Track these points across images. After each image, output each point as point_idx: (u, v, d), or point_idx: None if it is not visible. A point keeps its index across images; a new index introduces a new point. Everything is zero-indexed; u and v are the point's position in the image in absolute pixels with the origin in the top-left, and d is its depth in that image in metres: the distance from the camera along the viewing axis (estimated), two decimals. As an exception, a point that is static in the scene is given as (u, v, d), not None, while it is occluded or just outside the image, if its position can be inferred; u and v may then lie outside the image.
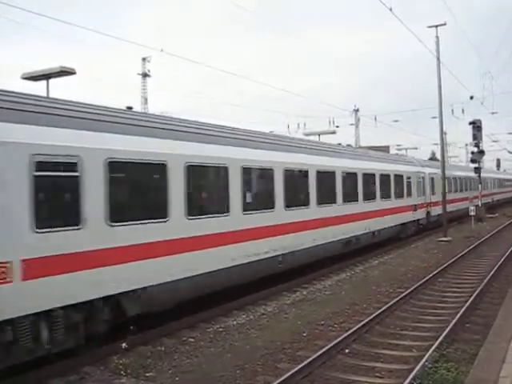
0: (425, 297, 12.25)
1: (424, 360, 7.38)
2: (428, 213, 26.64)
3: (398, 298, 11.54)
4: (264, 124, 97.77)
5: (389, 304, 11.00)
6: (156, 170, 9.59)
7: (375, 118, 46.34)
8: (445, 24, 25.22)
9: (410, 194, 23.62)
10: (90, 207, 8.04)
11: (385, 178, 20.63)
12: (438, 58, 25.53)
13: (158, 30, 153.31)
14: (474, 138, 29.48)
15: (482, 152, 30.85)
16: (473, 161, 31.90)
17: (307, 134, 22.97)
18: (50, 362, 7.64)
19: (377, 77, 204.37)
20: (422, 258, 18.58)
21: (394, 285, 13.75)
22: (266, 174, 12.96)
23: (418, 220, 25.24)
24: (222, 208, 11.16)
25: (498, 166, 71.66)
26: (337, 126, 42.61)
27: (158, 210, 9.45)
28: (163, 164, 9.58)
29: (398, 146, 49.69)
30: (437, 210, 27.43)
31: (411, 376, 6.82)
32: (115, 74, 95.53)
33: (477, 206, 31.05)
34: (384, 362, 7.84)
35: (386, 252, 20.50)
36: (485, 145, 34.95)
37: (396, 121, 48.94)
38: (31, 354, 7.21)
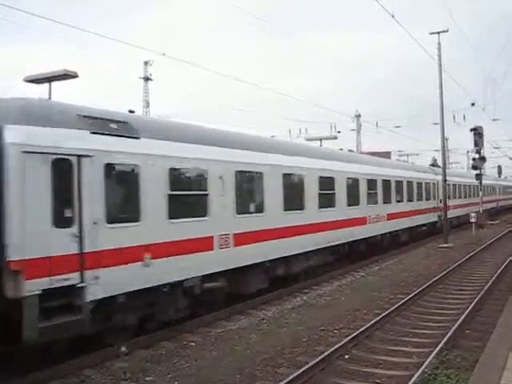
0: (425, 303, 12.24)
1: (424, 366, 7.38)
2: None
3: (398, 304, 11.53)
4: (265, 129, 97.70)
5: (389, 310, 11.00)
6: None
7: (377, 124, 46.13)
8: (447, 31, 25.36)
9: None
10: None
11: None
12: (440, 65, 25.64)
13: (160, 34, 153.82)
14: (476, 144, 29.46)
15: (483, 158, 30.85)
16: (474, 167, 31.94)
17: (309, 140, 23.01)
18: (49, 364, 7.65)
19: (379, 82, 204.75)
20: (423, 264, 18.58)
21: (395, 291, 13.75)
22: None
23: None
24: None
25: (500, 172, 71.57)
26: (338, 132, 42.53)
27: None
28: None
29: (400, 151, 49.71)
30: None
31: (411, 382, 6.83)
32: (116, 77, 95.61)
33: (477, 212, 31.08)
34: (384, 368, 7.85)
35: (386, 258, 20.50)
36: (486, 151, 34.86)
37: (398, 126, 48.86)
38: None
